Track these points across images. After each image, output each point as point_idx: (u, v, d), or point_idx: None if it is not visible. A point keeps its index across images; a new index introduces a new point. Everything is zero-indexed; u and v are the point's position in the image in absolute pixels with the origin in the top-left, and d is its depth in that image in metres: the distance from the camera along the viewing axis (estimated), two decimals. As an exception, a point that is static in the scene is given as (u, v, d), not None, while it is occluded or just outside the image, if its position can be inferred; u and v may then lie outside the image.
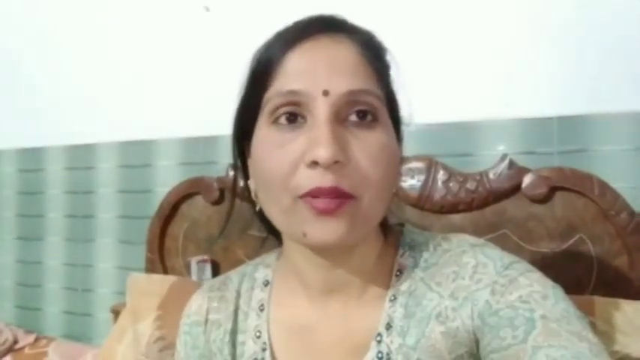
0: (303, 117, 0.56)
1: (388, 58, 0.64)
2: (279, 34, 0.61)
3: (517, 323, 0.51)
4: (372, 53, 0.61)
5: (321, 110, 0.54)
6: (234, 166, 0.69)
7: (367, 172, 0.55)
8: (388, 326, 0.61)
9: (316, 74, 0.56)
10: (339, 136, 0.54)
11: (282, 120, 0.57)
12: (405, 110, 0.66)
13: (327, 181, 0.53)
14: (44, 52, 2.02)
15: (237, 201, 0.74)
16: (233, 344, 0.69)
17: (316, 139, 0.53)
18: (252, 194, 0.66)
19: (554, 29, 1.23)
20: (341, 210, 0.53)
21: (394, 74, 0.64)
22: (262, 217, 0.68)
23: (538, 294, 0.53)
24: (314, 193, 0.53)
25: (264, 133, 0.59)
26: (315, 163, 0.53)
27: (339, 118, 0.55)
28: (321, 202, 0.53)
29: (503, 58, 1.28)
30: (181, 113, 1.70)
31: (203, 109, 1.60)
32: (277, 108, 0.57)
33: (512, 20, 1.27)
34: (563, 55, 1.22)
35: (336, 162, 0.52)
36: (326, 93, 0.55)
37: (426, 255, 0.64)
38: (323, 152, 0.52)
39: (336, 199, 0.53)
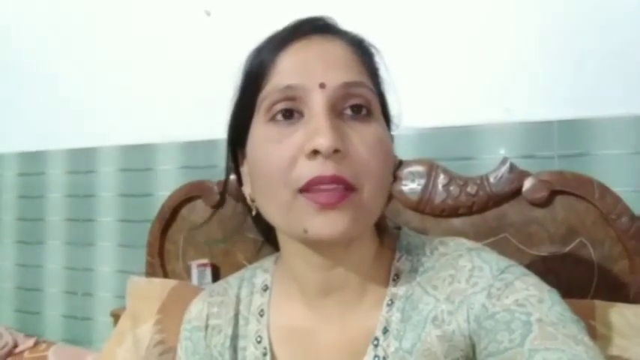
0: (300, 112, 0.57)
1: (377, 59, 0.65)
2: (270, 38, 0.62)
3: (513, 327, 0.51)
4: (363, 52, 0.62)
5: (318, 102, 0.55)
6: (227, 169, 0.70)
7: (366, 163, 0.55)
8: (385, 330, 0.61)
9: (311, 69, 0.56)
10: (337, 126, 0.54)
11: (279, 117, 0.57)
12: (394, 111, 0.67)
13: (327, 170, 0.53)
14: (44, 56, 2.02)
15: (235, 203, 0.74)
16: (234, 349, 0.69)
17: (315, 129, 0.53)
18: (248, 199, 0.66)
19: (554, 33, 1.23)
20: (343, 203, 0.53)
21: (384, 75, 0.65)
22: (258, 223, 0.68)
23: (534, 297, 0.53)
24: (315, 182, 0.53)
25: (260, 132, 0.59)
26: (315, 153, 0.53)
27: (335, 112, 0.56)
28: (323, 196, 0.53)
29: (504, 62, 1.28)
30: (182, 117, 1.71)
31: (203, 113, 1.60)
32: (273, 104, 0.57)
33: (513, 24, 1.28)
34: (563, 59, 1.22)
35: (336, 151, 0.53)
36: (322, 85, 0.55)
37: (422, 259, 0.64)
38: (323, 140, 0.52)
39: (337, 188, 0.53)
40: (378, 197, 0.58)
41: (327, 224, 0.54)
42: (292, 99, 0.56)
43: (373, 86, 0.60)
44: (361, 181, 0.55)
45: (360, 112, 0.57)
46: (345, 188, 0.53)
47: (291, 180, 0.54)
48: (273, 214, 0.59)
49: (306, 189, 0.54)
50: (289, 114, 0.57)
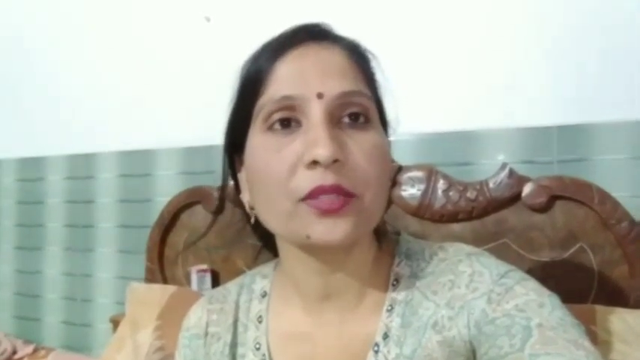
0: (298, 121, 0.57)
1: (374, 64, 0.65)
2: (267, 45, 0.62)
3: (514, 332, 0.51)
4: (360, 58, 0.62)
5: (316, 112, 0.55)
6: (224, 176, 0.70)
7: (365, 171, 0.55)
8: (385, 336, 0.61)
9: (308, 78, 0.56)
10: (336, 136, 0.55)
11: (277, 126, 0.57)
12: (391, 115, 0.67)
13: (328, 180, 0.53)
14: (43, 62, 2.03)
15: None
16: (233, 357, 0.68)
17: (314, 140, 0.53)
18: (246, 207, 0.66)
19: (554, 39, 1.24)
20: (345, 209, 0.53)
21: (380, 80, 0.65)
22: (257, 229, 0.68)
23: (534, 302, 0.53)
24: (316, 193, 0.53)
25: (258, 141, 0.59)
26: (314, 163, 0.53)
27: (333, 120, 0.56)
28: (325, 203, 0.53)
29: (504, 67, 1.28)
30: (181, 123, 1.71)
31: (203, 118, 1.60)
32: (271, 114, 0.57)
33: (513, 30, 1.28)
34: (562, 64, 1.23)
35: (336, 161, 0.53)
36: (320, 95, 0.55)
37: (422, 264, 0.64)
38: (323, 151, 0.52)
39: (339, 196, 0.53)
40: (378, 203, 0.58)
41: (330, 230, 0.54)
42: (290, 109, 0.56)
43: (370, 92, 0.60)
44: (361, 188, 0.55)
45: (358, 120, 0.57)
46: (345, 196, 0.54)
47: (291, 190, 0.55)
48: (273, 222, 0.59)
49: (307, 198, 0.54)
50: (287, 123, 0.57)
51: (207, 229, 0.83)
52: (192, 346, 0.72)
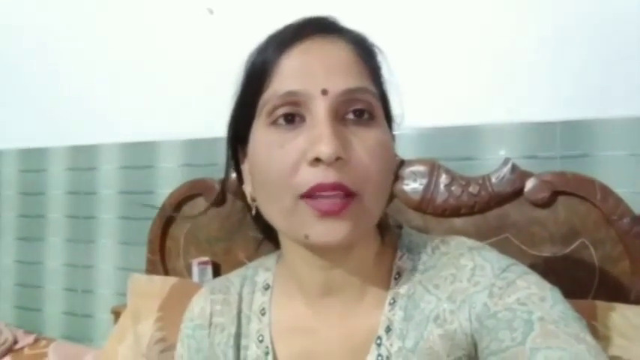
0: (302, 117, 0.56)
1: (380, 58, 0.64)
2: (272, 37, 0.61)
3: (515, 325, 0.51)
4: (365, 53, 0.61)
5: (320, 109, 0.55)
6: (227, 169, 0.70)
7: (367, 169, 0.55)
8: (388, 329, 0.61)
9: (313, 74, 0.56)
10: (339, 133, 0.54)
11: (281, 121, 0.57)
12: (396, 110, 0.66)
13: (329, 178, 0.53)
14: (46, 53, 2.02)
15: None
16: (237, 348, 0.69)
17: (318, 137, 0.53)
18: (248, 198, 0.66)
19: (557, 34, 1.23)
20: (345, 211, 0.53)
21: (386, 74, 0.65)
22: (258, 221, 0.68)
23: (536, 296, 0.53)
24: (316, 190, 0.53)
25: (262, 135, 0.58)
26: (317, 160, 0.53)
27: (337, 117, 0.56)
28: (326, 204, 0.53)
29: (506, 62, 1.28)
30: (183, 115, 1.70)
31: (205, 110, 1.60)
32: (275, 109, 0.57)
33: (515, 25, 1.27)
34: (566, 59, 1.22)
35: (338, 158, 0.52)
36: (325, 92, 0.55)
37: (424, 258, 0.64)
38: (325, 148, 0.52)
39: (339, 196, 0.53)
40: (379, 201, 0.58)
41: (329, 231, 0.54)
42: (294, 104, 0.56)
43: (375, 87, 0.60)
44: (362, 186, 0.55)
45: (362, 116, 0.57)
46: (345, 195, 0.53)
47: (292, 185, 0.54)
48: (274, 217, 0.59)
49: (307, 195, 0.54)
50: (291, 118, 0.56)
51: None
52: (196, 336, 0.72)
